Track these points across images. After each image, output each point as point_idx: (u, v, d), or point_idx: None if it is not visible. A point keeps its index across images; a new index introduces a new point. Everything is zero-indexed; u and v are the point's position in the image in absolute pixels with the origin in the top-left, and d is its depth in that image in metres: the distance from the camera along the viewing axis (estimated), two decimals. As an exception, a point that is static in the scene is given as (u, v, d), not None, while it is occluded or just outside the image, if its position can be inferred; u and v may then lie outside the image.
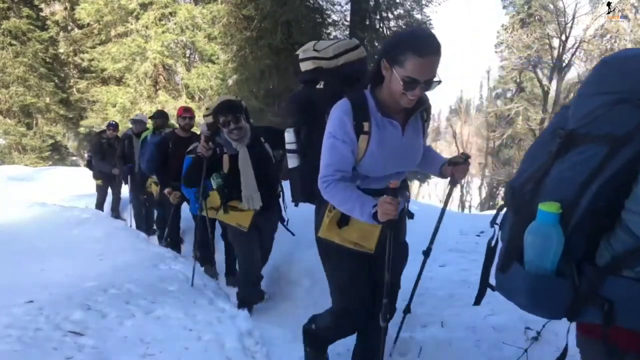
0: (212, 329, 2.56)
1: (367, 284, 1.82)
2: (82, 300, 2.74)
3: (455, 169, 1.80)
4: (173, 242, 4.73)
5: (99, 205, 7.05)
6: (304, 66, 1.93)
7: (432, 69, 1.45)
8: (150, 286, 3.14)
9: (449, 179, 1.88)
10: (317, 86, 1.89)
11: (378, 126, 1.59)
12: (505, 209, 1.22)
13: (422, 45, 1.43)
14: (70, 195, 9.09)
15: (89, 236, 4.58)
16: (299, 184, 1.87)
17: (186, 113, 4.48)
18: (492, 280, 1.26)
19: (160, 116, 5.23)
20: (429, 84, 1.47)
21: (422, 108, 1.66)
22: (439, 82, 1.49)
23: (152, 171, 4.63)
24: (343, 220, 1.74)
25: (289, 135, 1.92)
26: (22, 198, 7.29)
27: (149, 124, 5.84)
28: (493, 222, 1.25)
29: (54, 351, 2.14)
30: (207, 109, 3.33)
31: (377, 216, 1.47)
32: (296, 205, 2.09)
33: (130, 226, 5.95)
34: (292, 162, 1.92)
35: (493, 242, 1.26)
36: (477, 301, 1.31)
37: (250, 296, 3.19)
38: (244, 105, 3.13)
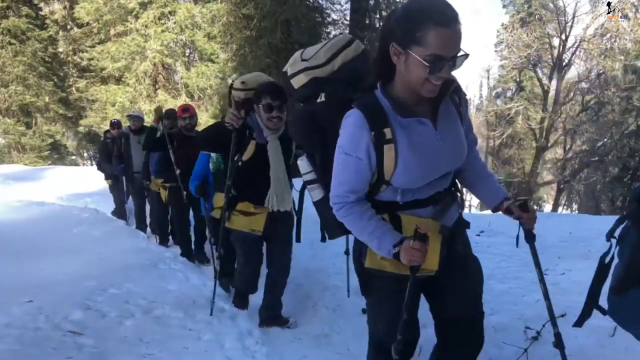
0: (212, 328, 2.56)
1: (413, 319, 1.56)
2: (81, 299, 2.74)
3: (526, 218, 1.46)
4: (185, 252, 4.45)
5: (119, 211, 6.54)
6: (297, 82, 1.65)
7: (458, 41, 1.18)
8: (150, 286, 3.14)
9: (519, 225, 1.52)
10: (318, 100, 1.61)
11: (403, 129, 1.30)
12: (626, 222, 1.05)
13: (443, 12, 1.15)
14: (70, 195, 9.07)
15: (89, 235, 4.58)
16: (331, 218, 1.51)
17: (185, 113, 4.21)
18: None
19: (170, 116, 4.90)
20: (456, 60, 1.19)
21: (450, 90, 1.34)
22: (467, 55, 1.21)
23: (162, 173, 4.48)
24: None
25: (304, 165, 1.63)
26: (21, 197, 7.28)
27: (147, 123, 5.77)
28: (610, 236, 1.09)
29: (53, 351, 2.14)
30: (243, 82, 2.83)
31: (401, 258, 1.27)
32: (323, 240, 1.81)
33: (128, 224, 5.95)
34: (316, 194, 1.62)
35: (607, 259, 1.10)
36: (580, 323, 1.17)
37: (250, 287, 2.95)
38: None
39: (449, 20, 1.15)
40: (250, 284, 2.94)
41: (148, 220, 6.00)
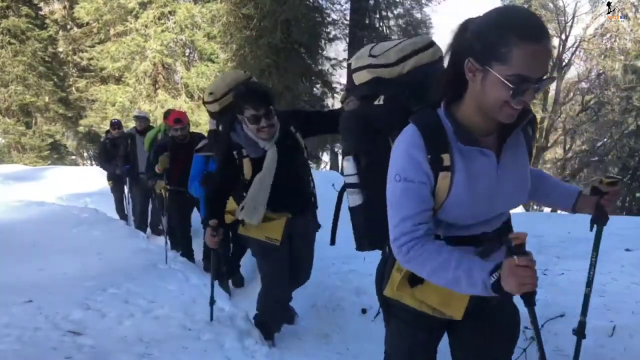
0: (212, 328, 2.56)
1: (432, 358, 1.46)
2: (81, 299, 2.75)
3: (606, 199, 1.35)
4: (186, 253, 4.47)
5: (120, 211, 6.50)
6: (359, 78, 1.47)
7: (547, 60, 1.01)
8: (150, 285, 3.15)
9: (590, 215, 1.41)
10: (376, 102, 1.43)
11: (463, 157, 1.13)
12: None
13: (534, 26, 0.98)
14: (70, 195, 9.07)
15: (88, 235, 4.58)
16: (363, 227, 1.42)
17: (178, 124, 4.01)
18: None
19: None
20: (541, 82, 1.01)
21: (525, 121, 1.14)
22: (553, 79, 1.06)
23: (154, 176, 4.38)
24: (417, 277, 1.25)
25: (349, 166, 1.48)
26: (21, 197, 7.28)
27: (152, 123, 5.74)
28: None
29: (53, 351, 2.14)
30: (210, 93, 2.55)
31: (505, 286, 0.99)
32: (332, 243, 1.71)
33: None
34: (354, 199, 1.47)
35: None
36: None
37: (274, 322, 2.64)
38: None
39: (540, 36, 0.97)
40: (275, 315, 2.58)
41: (148, 220, 6.00)
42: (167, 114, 4.99)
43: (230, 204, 2.68)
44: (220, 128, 2.53)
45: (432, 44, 1.44)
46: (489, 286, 1.02)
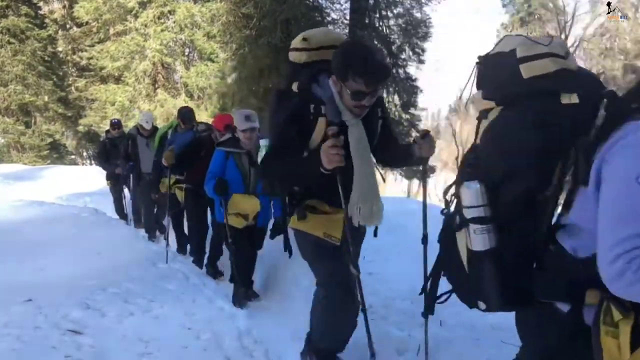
0: (211, 327, 2.57)
1: None
2: (81, 299, 2.75)
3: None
4: (197, 255, 4.29)
5: (119, 211, 6.49)
6: (536, 68, 1.09)
7: None
8: (149, 285, 3.15)
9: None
10: (565, 101, 1.06)
11: None
12: None
13: None
14: (69, 194, 9.07)
15: (88, 235, 4.58)
16: (495, 279, 1.09)
17: (227, 130, 3.70)
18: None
19: (186, 117, 4.64)
20: None
21: None
22: None
23: (180, 171, 4.17)
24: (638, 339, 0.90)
25: (473, 193, 1.11)
26: (21, 197, 7.27)
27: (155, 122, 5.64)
28: None
29: (52, 350, 2.14)
30: (305, 39, 1.98)
31: None
32: (428, 314, 1.34)
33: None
34: (480, 240, 1.11)
35: None
36: None
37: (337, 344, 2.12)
38: None
39: None
40: (342, 338, 2.06)
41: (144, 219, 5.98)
42: (181, 112, 4.71)
43: (238, 204, 2.47)
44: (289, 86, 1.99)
45: None
46: None
